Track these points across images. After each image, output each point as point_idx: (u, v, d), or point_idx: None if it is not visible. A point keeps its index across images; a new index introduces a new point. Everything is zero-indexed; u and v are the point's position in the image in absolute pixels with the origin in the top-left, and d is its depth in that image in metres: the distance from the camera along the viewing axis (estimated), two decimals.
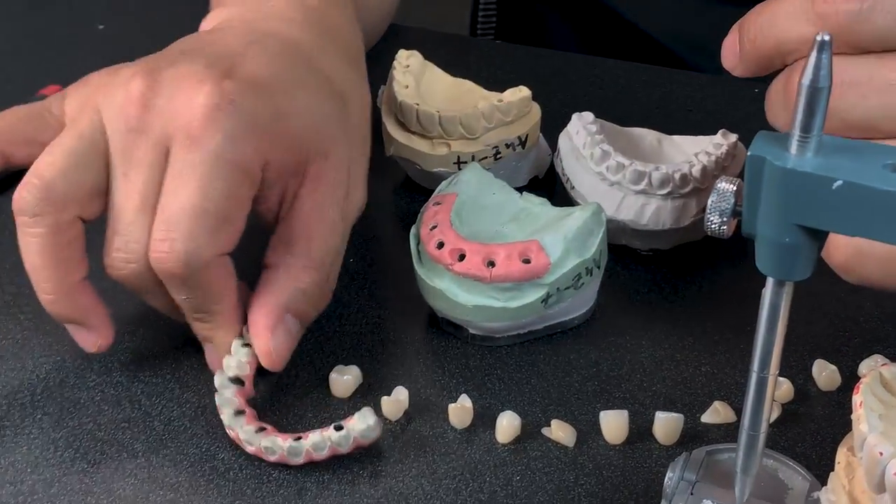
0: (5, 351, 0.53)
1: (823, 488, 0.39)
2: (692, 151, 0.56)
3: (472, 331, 0.52)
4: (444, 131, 0.58)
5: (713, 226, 0.35)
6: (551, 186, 0.62)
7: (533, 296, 0.50)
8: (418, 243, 0.52)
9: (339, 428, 0.46)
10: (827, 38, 0.31)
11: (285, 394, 0.50)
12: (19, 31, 0.80)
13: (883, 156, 0.32)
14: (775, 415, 0.48)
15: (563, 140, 0.59)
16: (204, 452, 0.47)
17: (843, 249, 0.42)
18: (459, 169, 0.58)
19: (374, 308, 0.55)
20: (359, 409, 0.47)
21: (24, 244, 0.48)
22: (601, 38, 0.85)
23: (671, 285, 0.56)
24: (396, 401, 0.49)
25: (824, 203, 0.32)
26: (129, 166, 0.47)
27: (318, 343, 0.53)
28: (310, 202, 0.50)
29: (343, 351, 0.52)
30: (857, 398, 0.37)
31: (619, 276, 0.56)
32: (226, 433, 0.48)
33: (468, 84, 0.62)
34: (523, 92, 0.59)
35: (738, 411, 0.47)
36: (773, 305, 0.35)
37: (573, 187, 0.57)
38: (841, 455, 0.38)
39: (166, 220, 0.46)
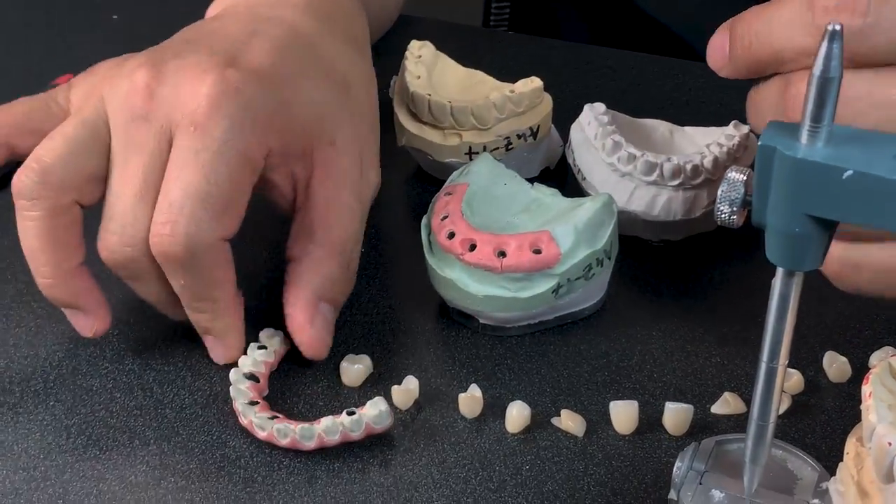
0: (19, 339, 0.53)
1: (832, 478, 0.39)
2: (704, 142, 0.56)
3: (482, 321, 0.52)
4: (456, 122, 0.58)
5: (723, 215, 0.35)
6: (563, 177, 0.62)
7: (543, 286, 0.50)
8: (429, 233, 0.52)
9: (351, 413, 0.46)
10: (838, 27, 0.31)
11: (297, 382, 0.50)
12: (34, 20, 0.81)
13: (894, 146, 0.32)
14: (785, 406, 0.48)
15: (574, 131, 0.59)
16: (215, 440, 0.48)
17: (836, 259, 0.42)
18: (471, 159, 0.58)
19: (385, 298, 0.55)
20: (370, 398, 0.47)
21: (22, 228, 0.48)
22: (614, 29, 0.85)
23: (682, 276, 0.56)
24: (407, 390, 0.49)
25: (835, 193, 0.32)
26: (130, 153, 0.48)
27: None
28: (323, 190, 0.50)
29: (354, 340, 0.53)
30: (866, 388, 0.37)
31: (629, 267, 0.56)
32: (237, 421, 0.48)
33: (480, 75, 0.62)
34: (535, 83, 0.59)
35: (749, 402, 0.47)
36: (783, 296, 0.35)
37: (584, 178, 0.57)
38: (850, 445, 0.38)
39: (169, 204, 0.46)
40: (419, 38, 0.62)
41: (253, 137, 0.48)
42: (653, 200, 0.54)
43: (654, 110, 0.65)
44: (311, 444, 0.46)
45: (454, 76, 0.62)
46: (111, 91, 0.49)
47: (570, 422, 0.48)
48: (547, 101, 0.60)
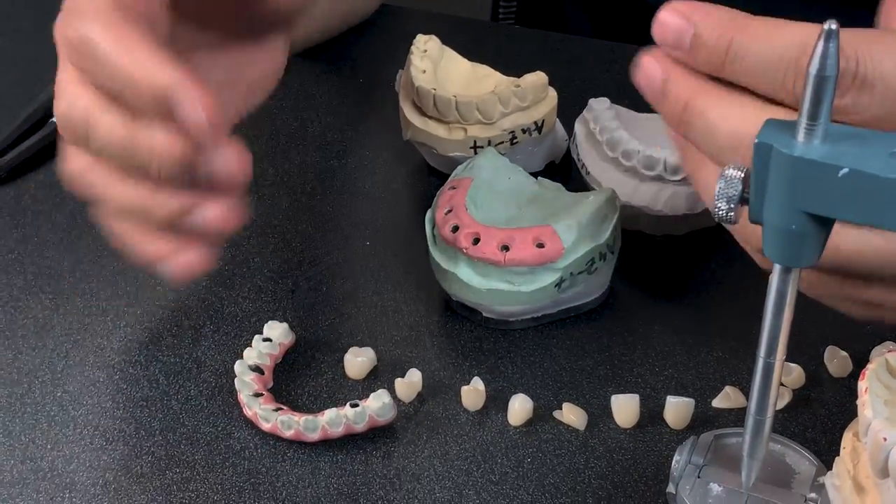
0: (27, 330, 0.53)
1: (828, 473, 0.39)
2: None
3: (485, 314, 0.53)
4: (461, 116, 0.59)
5: (720, 212, 0.35)
6: (567, 172, 0.62)
7: (546, 280, 0.51)
8: (433, 227, 0.53)
9: (354, 405, 0.47)
10: (834, 26, 0.31)
11: (301, 375, 0.51)
12: (44, 9, 0.81)
13: (889, 144, 0.32)
14: (786, 400, 0.48)
15: (579, 125, 0.60)
16: (220, 431, 0.48)
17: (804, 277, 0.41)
18: (476, 153, 0.59)
19: (389, 291, 0.55)
20: (373, 390, 0.48)
21: None
22: (620, 24, 0.85)
23: (684, 271, 0.56)
24: (410, 383, 0.49)
25: (831, 190, 0.32)
26: None
27: (334, 325, 0.53)
28: None
29: (358, 333, 0.53)
30: (862, 384, 0.37)
31: (632, 262, 0.56)
32: (242, 413, 0.49)
33: (485, 69, 0.62)
34: (540, 77, 0.60)
35: (749, 395, 0.47)
36: (780, 292, 0.36)
37: (588, 173, 0.57)
38: (846, 440, 0.38)
39: None
40: (425, 32, 0.63)
41: None
42: (656, 195, 0.55)
43: None
44: (314, 436, 0.47)
45: (459, 70, 0.62)
46: None
47: (571, 415, 0.48)
48: (552, 96, 0.61)
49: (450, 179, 0.55)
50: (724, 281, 0.56)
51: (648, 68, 0.40)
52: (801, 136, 0.33)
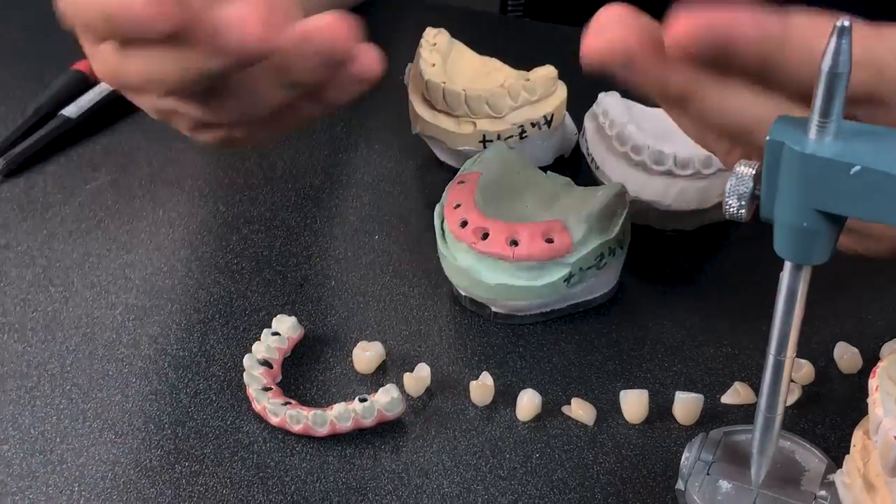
0: (36, 323, 0.54)
1: (839, 471, 0.39)
2: None
3: (494, 309, 0.53)
4: (470, 110, 0.59)
5: (731, 209, 0.35)
6: (576, 166, 0.62)
7: (555, 275, 0.51)
8: (442, 222, 0.53)
9: (363, 400, 0.47)
10: (847, 23, 0.31)
11: (309, 369, 0.51)
12: (52, 2, 0.81)
13: None
14: (796, 396, 0.48)
15: (588, 119, 0.59)
16: (229, 425, 0.48)
17: None
18: (485, 147, 0.59)
19: (397, 285, 0.55)
20: (382, 385, 0.48)
21: None
22: None
23: (694, 266, 0.56)
24: (419, 377, 0.49)
25: (843, 188, 0.32)
26: None
27: (342, 319, 0.53)
28: None
29: (367, 327, 0.53)
30: (873, 382, 0.37)
31: (641, 257, 0.56)
32: (251, 407, 0.49)
33: (495, 63, 0.62)
34: (550, 71, 0.59)
35: (759, 392, 0.47)
36: (791, 289, 0.35)
37: (598, 167, 0.57)
38: (857, 438, 0.38)
39: None
40: (435, 25, 0.63)
41: None
42: (665, 190, 0.55)
43: None
44: (323, 431, 0.47)
45: (469, 64, 0.62)
46: None
47: (580, 410, 0.48)
48: (561, 90, 0.60)
49: (459, 174, 0.54)
50: (733, 276, 0.56)
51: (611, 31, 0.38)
52: (812, 133, 0.33)
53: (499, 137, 0.59)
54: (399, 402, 0.47)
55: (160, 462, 0.47)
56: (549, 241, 0.50)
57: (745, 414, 0.48)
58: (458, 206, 0.52)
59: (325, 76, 0.42)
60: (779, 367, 0.37)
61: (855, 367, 0.50)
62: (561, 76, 0.60)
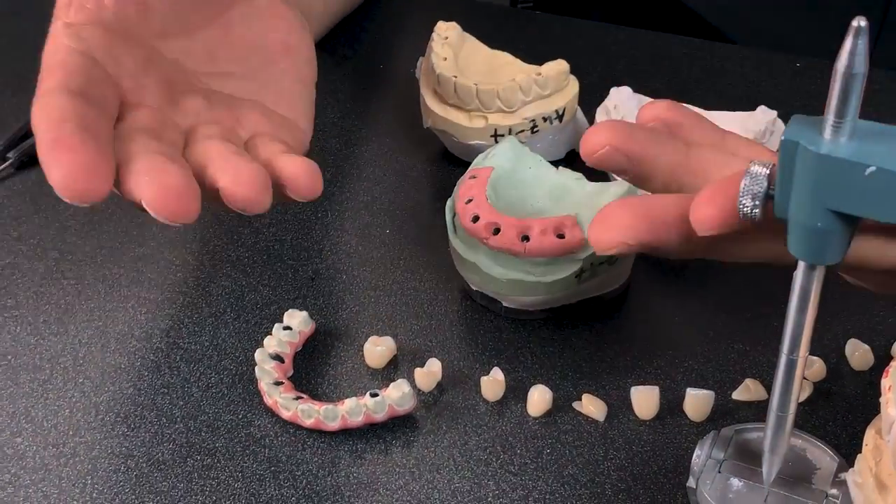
0: (48, 316, 0.54)
1: (850, 470, 0.39)
2: (730, 128, 0.56)
3: (505, 304, 0.53)
4: (482, 104, 0.59)
5: (745, 209, 0.35)
6: None
7: (567, 271, 0.51)
8: (454, 216, 0.53)
9: (374, 395, 0.47)
10: (864, 23, 0.31)
11: (321, 363, 0.51)
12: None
13: None
14: (807, 393, 0.48)
15: (600, 114, 0.59)
16: (241, 419, 0.48)
17: None
18: (496, 141, 0.59)
19: (408, 280, 0.55)
20: (393, 379, 0.48)
21: None
22: (641, 10, 0.85)
23: (705, 262, 0.56)
24: (430, 372, 0.49)
25: (857, 188, 0.32)
26: None
27: (353, 313, 0.53)
28: None
29: (378, 322, 0.53)
30: (885, 382, 0.37)
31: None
32: (262, 401, 0.49)
33: (506, 56, 0.62)
34: (561, 65, 0.59)
35: (770, 389, 0.47)
36: (804, 289, 0.35)
37: None
38: (869, 437, 0.38)
39: None
40: (446, 18, 0.63)
41: None
42: None
43: (682, 92, 0.65)
44: (334, 425, 0.47)
45: (480, 58, 0.62)
46: None
47: (591, 406, 0.48)
48: (573, 84, 0.60)
49: (470, 168, 0.54)
50: (744, 272, 0.56)
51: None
52: (827, 133, 0.32)
53: (510, 132, 0.59)
54: (410, 398, 0.47)
55: (172, 455, 0.47)
56: (561, 236, 0.50)
57: (757, 410, 0.48)
58: (470, 200, 0.52)
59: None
60: (791, 366, 0.37)
61: (866, 364, 0.50)
62: (573, 69, 0.60)
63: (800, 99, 0.67)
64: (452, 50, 0.61)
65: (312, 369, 0.51)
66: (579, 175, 0.54)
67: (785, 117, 0.54)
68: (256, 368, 0.49)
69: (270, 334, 0.51)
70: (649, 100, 0.59)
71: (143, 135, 0.44)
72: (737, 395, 0.49)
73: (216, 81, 0.50)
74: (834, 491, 0.41)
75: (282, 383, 0.49)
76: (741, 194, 0.34)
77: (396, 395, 0.47)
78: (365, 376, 0.50)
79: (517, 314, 0.53)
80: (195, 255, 0.57)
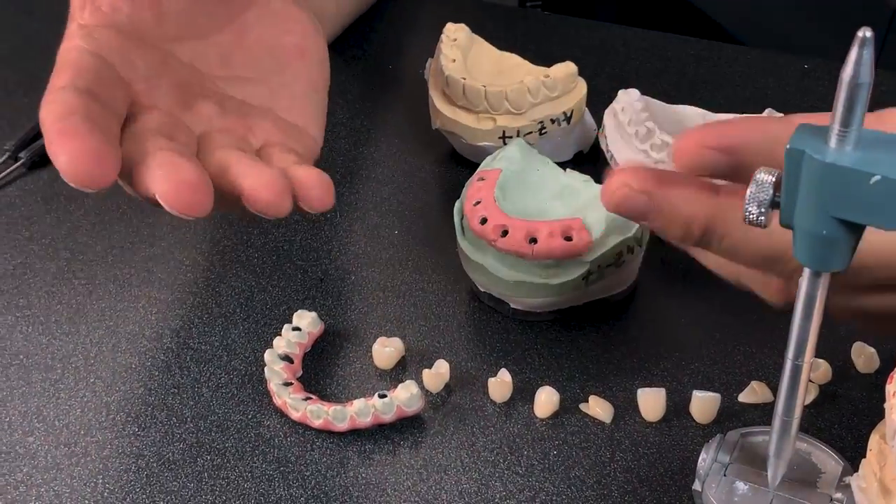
0: (60, 315, 0.54)
1: (855, 474, 0.39)
2: None
3: (513, 306, 0.53)
4: (490, 106, 0.59)
5: (751, 216, 0.35)
6: (595, 162, 0.62)
7: (574, 273, 0.51)
8: (462, 218, 0.53)
9: (382, 396, 0.47)
10: (869, 34, 0.31)
11: (330, 364, 0.51)
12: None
13: None
14: (812, 396, 0.49)
15: (608, 116, 0.60)
16: (250, 419, 0.49)
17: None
18: (505, 143, 0.59)
19: (417, 281, 0.56)
20: (401, 380, 0.48)
21: None
22: (649, 11, 0.85)
23: None
24: (437, 373, 0.50)
25: (862, 197, 0.32)
26: None
27: (362, 314, 0.54)
28: None
29: (386, 323, 0.53)
30: (890, 388, 0.37)
31: (660, 255, 0.56)
32: (272, 401, 0.49)
33: (515, 58, 0.62)
34: (570, 68, 0.60)
35: (776, 391, 0.47)
36: (809, 295, 0.36)
37: (617, 164, 0.57)
38: (873, 442, 0.39)
39: None
40: (455, 19, 0.63)
41: None
42: None
43: (690, 94, 0.65)
44: (343, 426, 0.47)
45: (489, 60, 0.62)
46: None
47: (597, 408, 0.49)
48: (581, 86, 0.61)
49: (478, 170, 0.55)
50: None
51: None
52: (833, 142, 0.33)
53: (518, 133, 0.59)
54: (418, 399, 0.48)
55: (182, 455, 0.47)
56: (568, 238, 0.50)
57: (763, 413, 0.48)
58: (478, 202, 0.52)
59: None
60: (797, 371, 0.38)
61: (872, 367, 0.50)
62: (581, 71, 0.60)
63: (808, 101, 0.67)
64: (461, 51, 0.61)
65: (321, 370, 0.51)
66: (587, 177, 0.55)
67: None
68: (266, 369, 0.50)
69: (280, 335, 0.51)
70: (659, 102, 0.59)
71: (155, 134, 0.44)
72: (743, 397, 0.49)
73: (230, 85, 0.50)
74: (839, 495, 0.41)
75: (291, 384, 0.49)
76: (747, 201, 0.35)
77: (405, 396, 0.47)
78: (373, 377, 0.51)
79: (525, 316, 0.53)
80: (205, 255, 0.57)
